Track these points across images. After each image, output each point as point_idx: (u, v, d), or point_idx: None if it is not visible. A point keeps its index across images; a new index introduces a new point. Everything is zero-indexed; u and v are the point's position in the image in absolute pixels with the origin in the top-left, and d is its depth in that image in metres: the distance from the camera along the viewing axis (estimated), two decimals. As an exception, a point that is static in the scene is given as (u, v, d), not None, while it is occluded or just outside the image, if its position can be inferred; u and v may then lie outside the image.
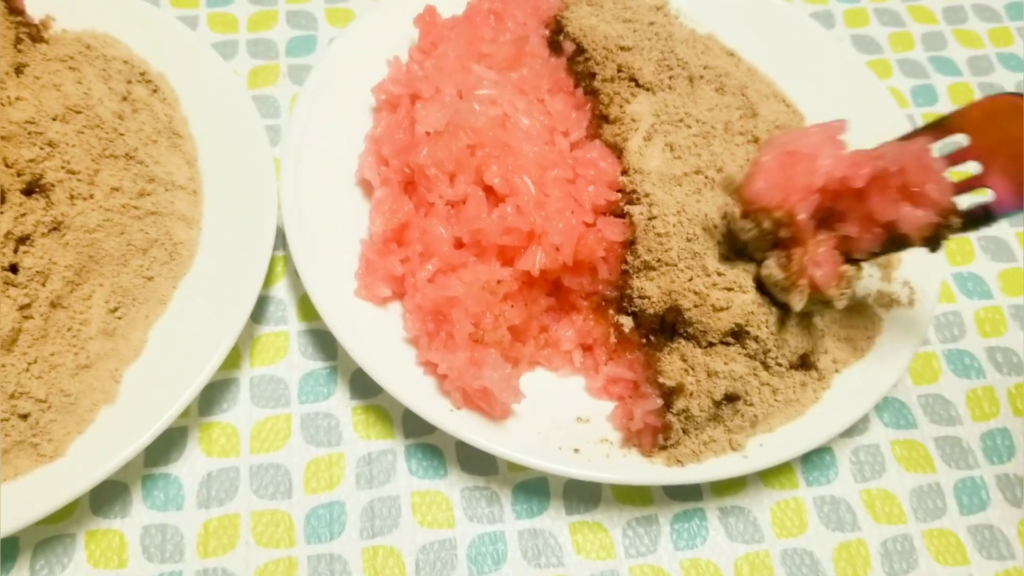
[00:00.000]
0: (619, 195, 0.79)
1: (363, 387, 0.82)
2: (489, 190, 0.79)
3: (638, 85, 0.84)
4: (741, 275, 0.74)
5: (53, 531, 0.74)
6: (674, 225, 0.75)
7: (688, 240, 0.75)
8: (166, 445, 0.78)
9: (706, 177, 0.81)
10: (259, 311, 0.86)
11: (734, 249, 0.76)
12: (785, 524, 0.79)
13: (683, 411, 0.72)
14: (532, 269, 0.76)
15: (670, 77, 0.85)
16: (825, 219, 0.72)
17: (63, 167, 0.76)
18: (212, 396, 0.81)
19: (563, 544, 0.77)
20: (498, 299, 0.77)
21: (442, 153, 0.80)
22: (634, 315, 0.77)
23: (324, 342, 0.85)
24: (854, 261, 0.73)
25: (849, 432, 0.83)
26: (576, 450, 0.75)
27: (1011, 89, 1.09)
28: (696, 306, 0.72)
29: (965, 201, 0.69)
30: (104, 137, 0.79)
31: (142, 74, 0.87)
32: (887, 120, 0.92)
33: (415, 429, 0.81)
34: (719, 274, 0.73)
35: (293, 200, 0.82)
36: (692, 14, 0.97)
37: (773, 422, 0.76)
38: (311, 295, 0.78)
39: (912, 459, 0.83)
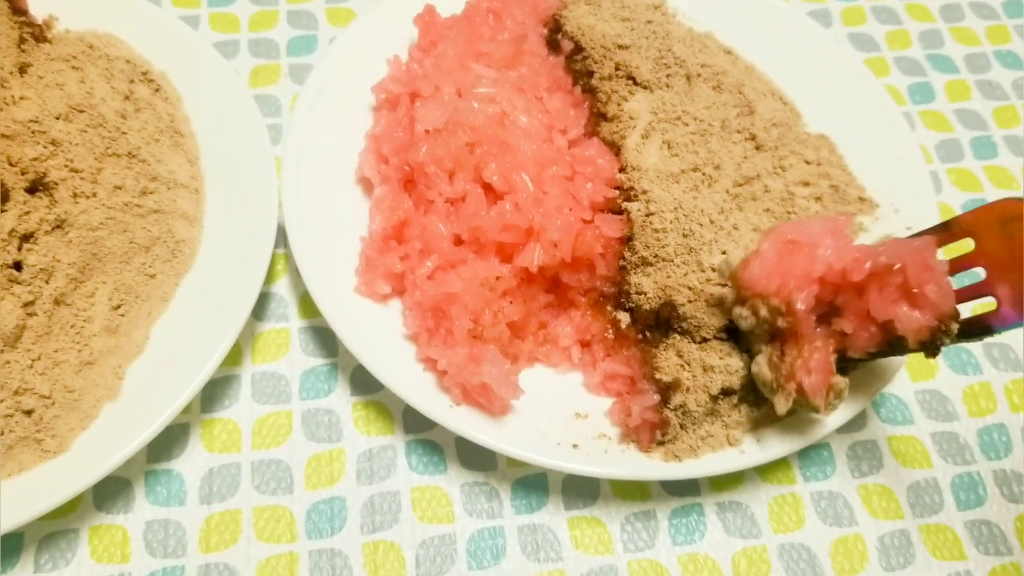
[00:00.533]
0: (617, 192, 0.80)
1: (363, 383, 0.83)
2: (488, 187, 0.80)
3: (636, 83, 0.85)
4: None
5: (57, 526, 0.75)
6: (671, 221, 0.76)
7: (684, 236, 0.75)
8: (168, 441, 0.79)
9: (703, 174, 0.81)
10: (260, 308, 0.87)
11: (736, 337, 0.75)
12: (782, 519, 0.79)
13: (680, 406, 0.73)
14: (531, 266, 0.77)
15: (668, 75, 0.86)
16: (824, 315, 0.70)
17: (66, 166, 0.76)
18: (214, 392, 0.82)
19: (562, 539, 0.77)
20: (497, 295, 0.77)
21: (441, 151, 0.80)
22: (631, 311, 0.77)
23: (325, 339, 0.85)
24: (849, 361, 0.71)
25: (846, 428, 0.83)
26: (575, 446, 0.75)
27: (1009, 90, 1.09)
28: (690, 301, 0.73)
29: (968, 308, 0.68)
30: (107, 136, 0.80)
31: (144, 73, 0.88)
32: (884, 118, 0.92)
33: (415, 425, 0.81)
34: (713, 270, 0.74)
35: (294, 198, 0.83)
36: (690, 12, 0.98)
37: (770, 417, 0.76)
38: (312, 292, 0.78)
39: (909, 455, 0.83)
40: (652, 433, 0.75)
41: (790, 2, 1.14)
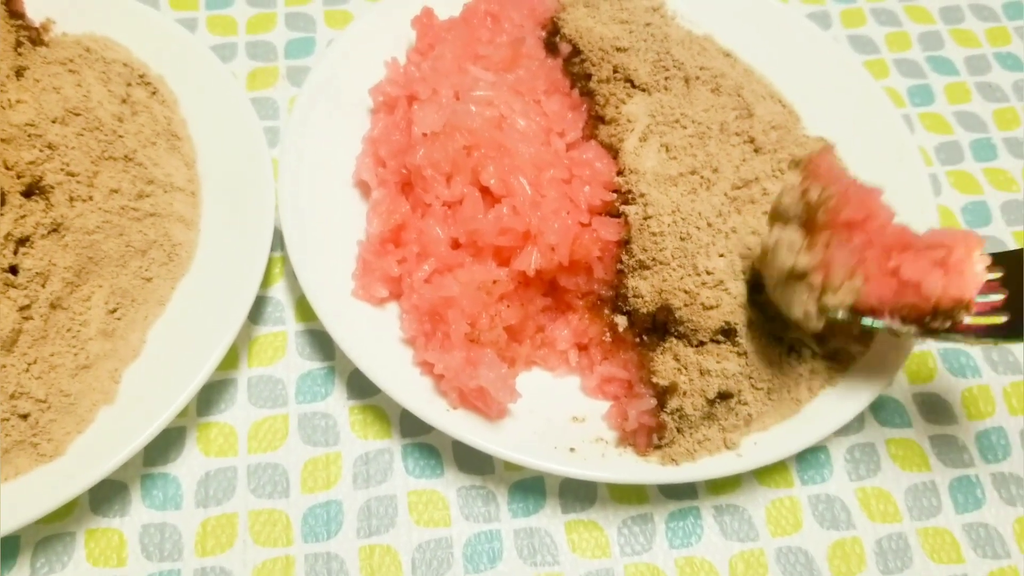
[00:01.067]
0: (614, 195, 0.80)
1: (360, 387, 0.83)
2: (485, 191, 0.80)
3: (634, 86, 0.85)
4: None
5: (53, 530, 0.75)
6: (669, 225, 0.76)
7: (682, 239, 0.75)
8: (165, 445, 0.79)
9: (701, 177, 0.81)
10: (257, 312, 0.87)
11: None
12: (780, 522, 0.79)
13: (677, 410, 0.73)
14: (528, 269, 0.77)
15: (666, 78, 0.86)
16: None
17: (63, 169, 0.76)
18: (210, 396, 0.82)
19: (559, 543, 0.77)
20: (494, 299, 0.77)
21: (439, 154, 0.80)
22: (628, 314, 0.77)
23: (321, 342, 0.85)
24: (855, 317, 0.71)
25: (844, 430, 0.83)
26: (572, 449, 0.75)
27: (1009, 92, 1.09)
28: (686, 305, 0.73)
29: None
30: (103, 139, 0.80)
31: (141, 76, 0.88)
32: (883, 120, 0.92)
33: (412, 429, 0.81)
34: (708, 272, 0.74)
35: (291, 201, 0.83)
36: (689, 15, 0.97)
37: (767, 420, 0.76)
38: (308, 296, 0.78)
39: (907, 458, 0.83)
40: (649, 437, 0.75)
41: (789, 4, 1.14)
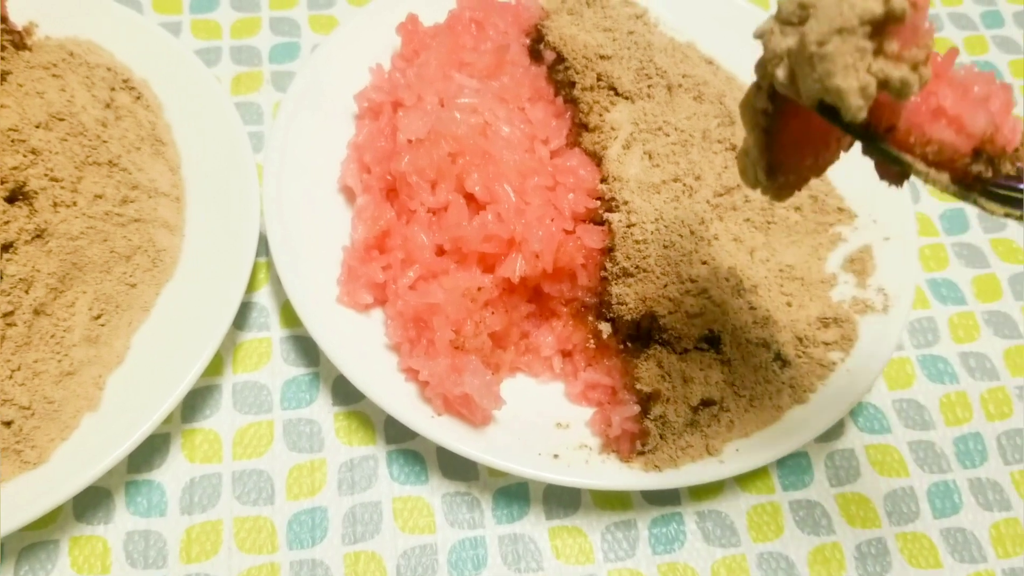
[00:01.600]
0: (598, 203, 0.80)
1: (345, 393, 0.83)
2: (470, 198, 0.80)
3: (617, 94, 0.85)
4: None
5: (37, 537, 0.74)
6: (652, 232, 0.77)
7: (665, 247, 0.76)
8: (149, 451, 0.79)
9: (684, 184, 0.82)
10: (241, 317, 0.86)
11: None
12: (761, 528, 0.80)
13: (660, 417, 0.73)
14: (512, 276, 0.77)
15: (649, 86, 0.86)
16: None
17: (46, 174, 0.76)
18: (195, 402, 0.82)
19: (543, 549, 0.77)
20: (479, 306, 0.78)
21: (424, 161, 0.80)
22: (612, 321, 0.78)
23: (306, 348, 0.85)
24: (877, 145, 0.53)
25: (824, 437, 0.84)
26: (556, 456, 0.76)
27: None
28: (670, 312, 0.74)
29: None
30: (87, 144, 0.80)
31: (125, 81, 0.88)
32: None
33: (396, 435, 0.81)
34: (692, 280, 0.75)
35: (276, 207, 0.83)
36: (671, 22, 0.98)
37: (749, 427, 0.77)
38: (293, 302, 0.78)
39: (886, 463, 0.84)
40: (632, 443, 0.76)
41: (772, 11, 1.14)
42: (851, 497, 0.82)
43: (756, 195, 0.85)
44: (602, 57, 0.86)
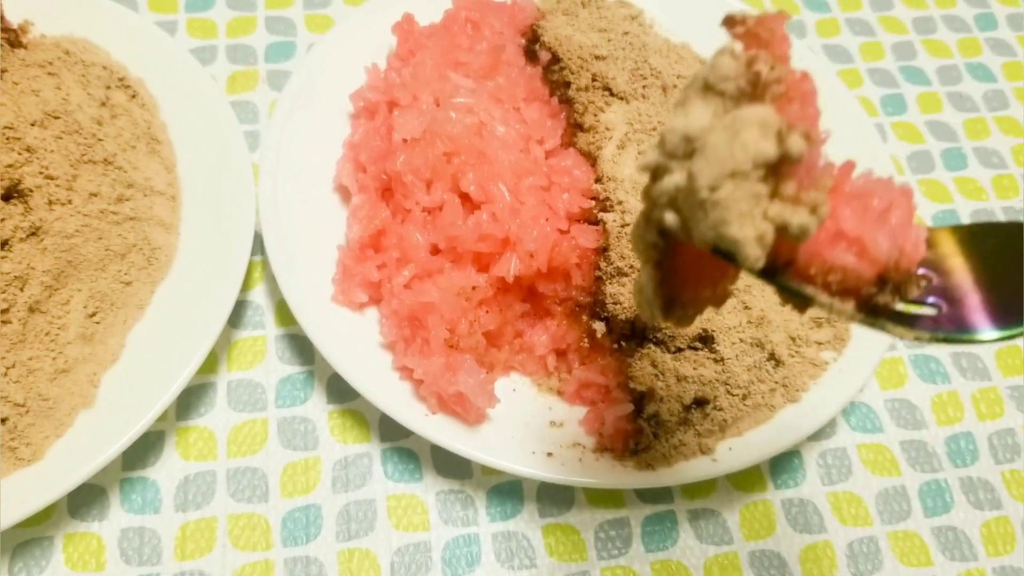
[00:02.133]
0: (593, 203, 0.81)
1: (339, 392, 0.83)
2: (465, 197, 0.80)
3: (612, 94, 0.86)
4: None
5: (31, 534, 0.74)
6: (646, 233, 0.77)
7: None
8: (144, 449, 0.79)
9: (678, 185, 0.82)
10: (236, 316, 0.87)
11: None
12: (754, 526, 0.80)
13: (653, 416, 0.74)
14: (507, 275, 0.78)
15: (644, 86, 0.87)
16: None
17: (41, 172, 0.76)
18: (189, 400, 0.82)
19: (536, 546, 0.78)
20: (473, 305, 0.78)
21: (419, 160, 0.81)
22: (607, 320, 0.78)
23: (301, 347, 0.86)
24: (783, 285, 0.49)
25: (817, 436, 0.85)
26: (549, 454, 0.76)
27: (980, 102, 1.11)
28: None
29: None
30: (83, 142, 0.80)
31: (121, 79, 0.88)
32: (857, 129, 0.94)
33: (391, 433, 0.82)
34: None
35: (271, 206, 0.83)
36: (666, 23, 0.98)
37: (742, 426, 0.78)
38: (288, 300, 0.78)
39: (878, 462, 0.85)
40: (626, 442, 0.76)
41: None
42: (843, 496, 0.83)
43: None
44: (597, 58, 0.87)
